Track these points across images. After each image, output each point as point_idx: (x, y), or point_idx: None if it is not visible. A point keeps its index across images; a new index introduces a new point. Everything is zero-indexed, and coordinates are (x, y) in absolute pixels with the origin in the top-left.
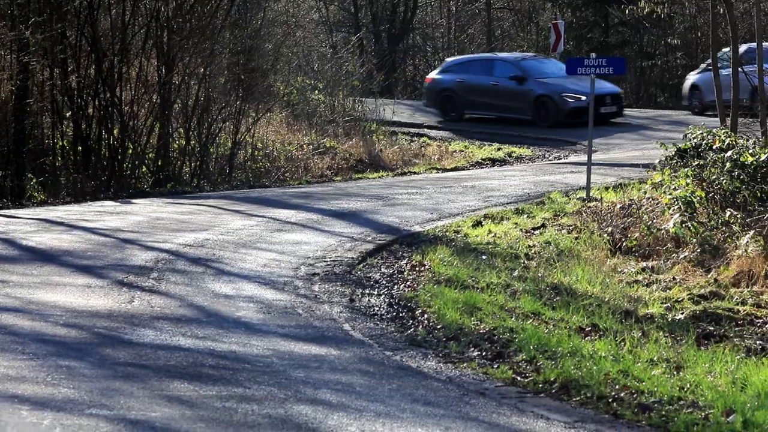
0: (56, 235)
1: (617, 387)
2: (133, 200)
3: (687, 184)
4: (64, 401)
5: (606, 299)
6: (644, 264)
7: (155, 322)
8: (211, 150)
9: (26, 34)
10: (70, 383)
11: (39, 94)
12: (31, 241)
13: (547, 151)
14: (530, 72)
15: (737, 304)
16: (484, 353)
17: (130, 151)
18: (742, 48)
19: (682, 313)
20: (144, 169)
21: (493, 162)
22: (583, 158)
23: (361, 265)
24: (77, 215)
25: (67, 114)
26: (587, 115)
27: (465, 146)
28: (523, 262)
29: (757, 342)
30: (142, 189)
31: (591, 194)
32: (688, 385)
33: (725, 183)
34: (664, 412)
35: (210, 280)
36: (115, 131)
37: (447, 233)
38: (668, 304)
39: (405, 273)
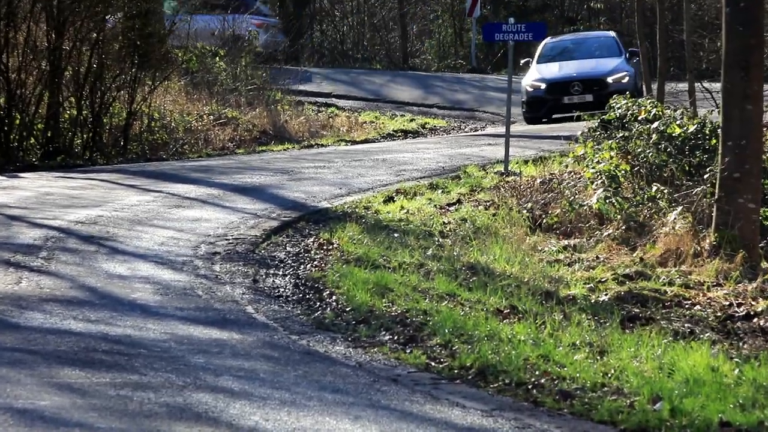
0: None
1: (537, 373)
2: (21, 174)
3: (611, 158)
4: None
5: (525, 279)
6: (566, 242)
7: (44, 305)
8: (105, 121)
9: None
10: None
11: None
12: None
13: (463, 122)
14: (539, 56)
15: (664, 285)
16: (396, 337)
17: (18, 121)
18: None
19: (606, 295)
20: (32, 140)
21: (406, 134)
22: (501, 130)
23: (265, 243)
24: None
25: None
26: (545, 108)
27: (376, 117)
28: (438, 240)
29: (686, 325)
30: (31, 162)
31: (509, 168)
32: (613, 371)
33: (651, 156)
34: (587, 400)
35: (103, 259)
36: (0, 100)
37: (357, 209)
38: (591, 285)
39: (312, 252)
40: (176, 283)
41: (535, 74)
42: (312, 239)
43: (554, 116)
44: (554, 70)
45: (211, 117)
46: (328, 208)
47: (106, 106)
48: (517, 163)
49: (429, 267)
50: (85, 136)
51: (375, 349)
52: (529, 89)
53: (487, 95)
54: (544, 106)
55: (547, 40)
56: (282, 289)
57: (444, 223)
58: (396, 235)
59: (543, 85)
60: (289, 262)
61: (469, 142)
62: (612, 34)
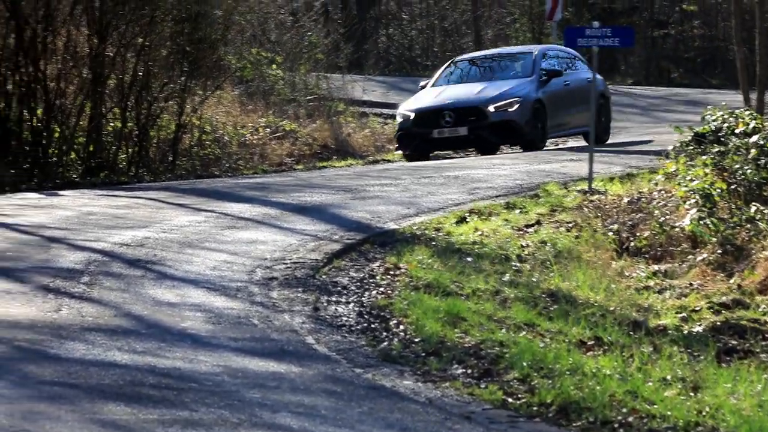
0: None
1: (624, 410)
2: (60, 192)
3: (705, 175)
4: None
5: (611, 308)
6: (656, 267)
7: (86, 335)
8: (152, 134)
9: None
10: None
11: None
12: None
13: None
14: (438, 78)
15: (765, 315)
16: (469, 371)
17: (57, 134)
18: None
19: (700, 325)
20: (73, 155)
21: None
22: (584, 144)
23: (327, 268)
24: None
25: None
26: (414, 144)
27: None
28: (515, 265)
29: None
30: (71, 179)
31: (594, 186)
32: (708, 409)
33: (750, 173)
34: None
35: (150, 285)
36: (38, 111)
37: (426, 231)
38: (684, 314)
39: (377, 277)
40: (230, 311)
41: (411, 101)
42: (377, 263)
43: (432, 154)
44: (432, 96)
45: (268, 130)
46: (395, 229)
47: (153, 118)
48: (601, 180)
49: (505, 294)
50: (130, 150)
51: (446, 384)
52: (399, 120)
53: None
54: (412, 142)
55: (457, 57)
56: (345, 318)
57: (522, 246)
58: (469, 259)
59: (412, 116)
60: (353, 288)
61: (549, 158)
62: (536, 50)
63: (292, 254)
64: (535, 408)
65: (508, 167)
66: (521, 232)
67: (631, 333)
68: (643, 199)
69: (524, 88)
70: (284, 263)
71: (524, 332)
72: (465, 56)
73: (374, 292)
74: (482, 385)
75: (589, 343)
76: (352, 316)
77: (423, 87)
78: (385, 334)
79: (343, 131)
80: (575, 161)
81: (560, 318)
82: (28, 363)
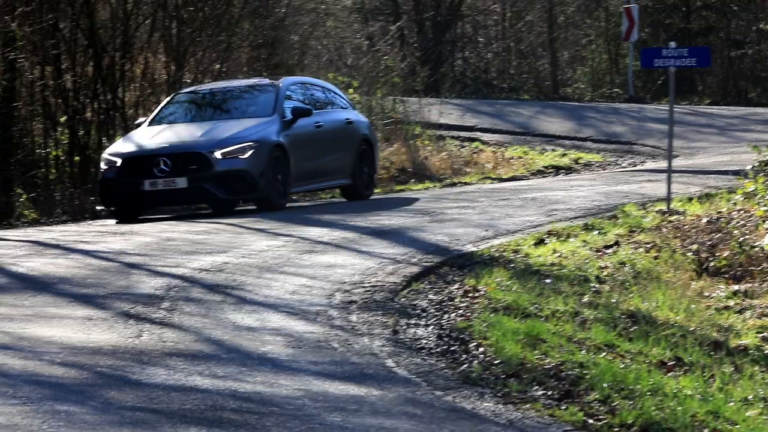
0: (51, 260)
1: (706, 431)
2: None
3: None
4: None
5: (692, 328)
6: (736, 287)
7: (167, 360)
8: None
9: (12, 26)
10: (70, 431)
11: (28, 96)
12: (21, 266)
13: (620, 157)
14: (156, 115)
15: None
16: (549, 392)
17: None
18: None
19: None
20: None
21: (558, 170)
22: (662, 165)
23: (406, 291)
24: (75, 236)
25: (62, 119)
26: (121, 197)
27: (524, 152)
28: (594, 286)
29: None
30: None
31: (672, 206)
32: None
33: None
34: None
35: (230, 310)
36: (117, 138)
37: (504, 253)
38: (765, 334)
39: (456, 300)
40: (309, 335)
41: (119, 144)
42: (456, 286)
43: (146, 210)
44: (147, 137)
45: None
46: (474, 251)
47: None
48: (680, 200)
49: (585, 315)
50: None
51: (527, 406)
52: (104, 167)
53: (647, 127)
54: (118, 196)
55: (184, 90)
56: (424, 341)
57: (600, 267)
58: (548, 280)
59: (118, 162)
60: (432, 310)
61: (627, 179)
62: (280, 82)
63: (371, 277)
64: (616, 429)
65: (585, 188)
66: (600, 254)
67: (712, 353)
68: (722, 219)
69: (261, 130)
70: (363, 287)
71: (604, 353)
72: (192, 88)
73: (453, 314)
74: (563, 407)
75: (669, 363)
76: (431, 339)
77: (139, 125)
78: (464, 356)
79: (420, 154)
80: (653, 182)
81: (640, 339)
82: (110, 389)
